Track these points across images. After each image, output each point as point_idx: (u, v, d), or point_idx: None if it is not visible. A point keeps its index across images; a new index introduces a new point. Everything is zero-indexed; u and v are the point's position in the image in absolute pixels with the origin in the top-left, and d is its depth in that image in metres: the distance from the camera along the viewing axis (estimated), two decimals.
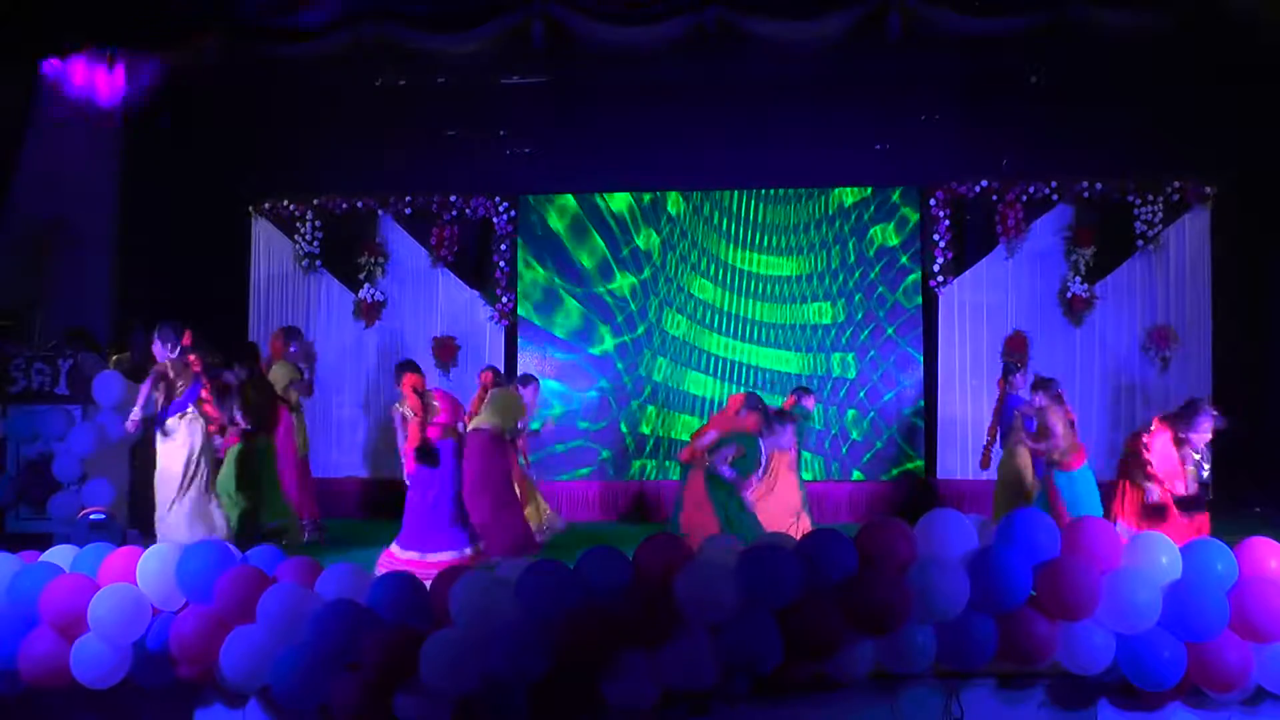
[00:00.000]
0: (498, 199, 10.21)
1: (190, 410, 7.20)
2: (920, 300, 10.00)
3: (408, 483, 7.24)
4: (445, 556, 6.84)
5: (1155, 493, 6.52)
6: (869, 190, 10.09)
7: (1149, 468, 6.53)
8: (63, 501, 7.86)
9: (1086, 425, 9.66)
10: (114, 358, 7.99)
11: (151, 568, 4.88)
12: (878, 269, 10.04)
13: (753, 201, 10.20)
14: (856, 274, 10.06)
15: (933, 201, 9.91)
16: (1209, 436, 6.61)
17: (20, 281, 8.94)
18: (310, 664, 4.56)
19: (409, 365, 7.36)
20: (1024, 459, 7.84)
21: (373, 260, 10.21)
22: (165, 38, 8.43)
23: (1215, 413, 6.59)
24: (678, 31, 8.46)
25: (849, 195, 10.12)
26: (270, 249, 10.44)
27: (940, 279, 9.90)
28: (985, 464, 8.40)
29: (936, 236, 9.88)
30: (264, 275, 10.43)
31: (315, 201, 10.26)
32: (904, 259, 10.02)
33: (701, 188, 10.23)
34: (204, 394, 7.25)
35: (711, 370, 10.13)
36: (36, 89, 8.20)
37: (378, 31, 8.46)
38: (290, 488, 8.29)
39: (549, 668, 4.40)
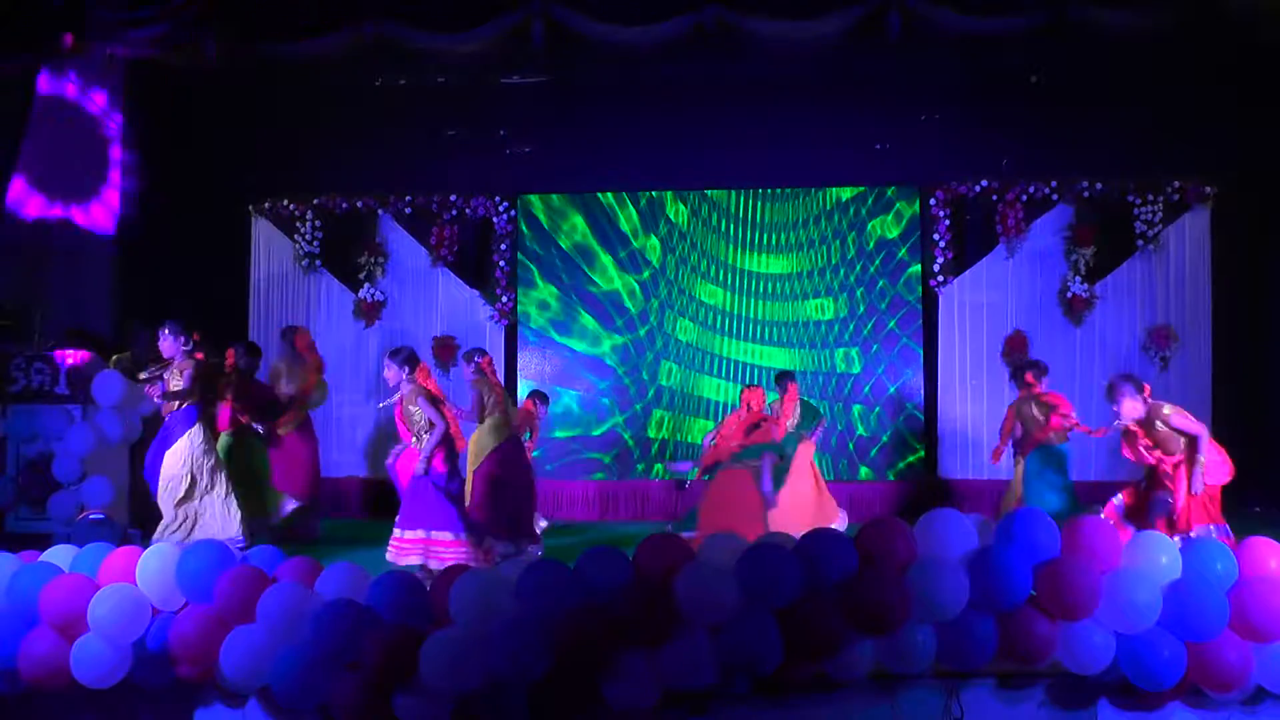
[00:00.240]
0: (498, 199, 10.21)
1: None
2: (920, 292, 10.00)
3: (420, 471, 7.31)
4: (445, 536, 6.82)
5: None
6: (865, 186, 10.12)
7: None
8: (62, 501, 7.86)
9: (1086, 425, 9.66)
10: (114, 357, 7.99)
11: (151, 567, 4.88)
12: (878, 261, 10.05)
13: (751, 201, 10.21)
14: (857, 267, 10.07)
15: (933, 201, 9.92)
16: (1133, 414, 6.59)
17: (20, 281, 8.95)
18: (310, 664, 4.55)
19: (411, 360, 7.24)
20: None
21: (373, 260, 10.21)
22: (165, 38, 8.42)
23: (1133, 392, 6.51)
24: (678, 31, 8.47)
25: (846, 190, 10.13)
26: (270, 249, 10.44)
27: (940, 279, 9.91)
28: (997, 458, 8.31)
29: (936, 236, 9.89)
30: (264, 275, 10.43)
31: (315, 201, 10.26)
32: (903, 251, 10.03)
33: (701, 187, 10.23)
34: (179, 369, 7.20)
35: (719, 372, 10.12)
36: (36, 89, 8.19)
37: (378, 31, 8.46)
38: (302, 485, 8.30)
39: (549, 667, 4.39)
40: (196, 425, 7.23)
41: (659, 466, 10.11)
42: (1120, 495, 6.74)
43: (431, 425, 6.70)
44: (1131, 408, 6.29)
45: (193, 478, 7.15)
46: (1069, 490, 7.58)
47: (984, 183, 9.84)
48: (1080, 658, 4.64)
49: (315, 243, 10.28)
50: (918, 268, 10.01)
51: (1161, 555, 4.72)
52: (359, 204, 10.28)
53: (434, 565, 6.46)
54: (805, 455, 8.24)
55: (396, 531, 6.78)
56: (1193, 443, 6.21)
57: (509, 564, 4.82)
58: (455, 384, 9.72)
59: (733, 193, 10.24)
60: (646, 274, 10.24)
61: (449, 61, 9.48)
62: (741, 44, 8.76)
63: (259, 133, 9.99)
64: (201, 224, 9.86)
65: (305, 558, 5.10)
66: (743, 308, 10.18)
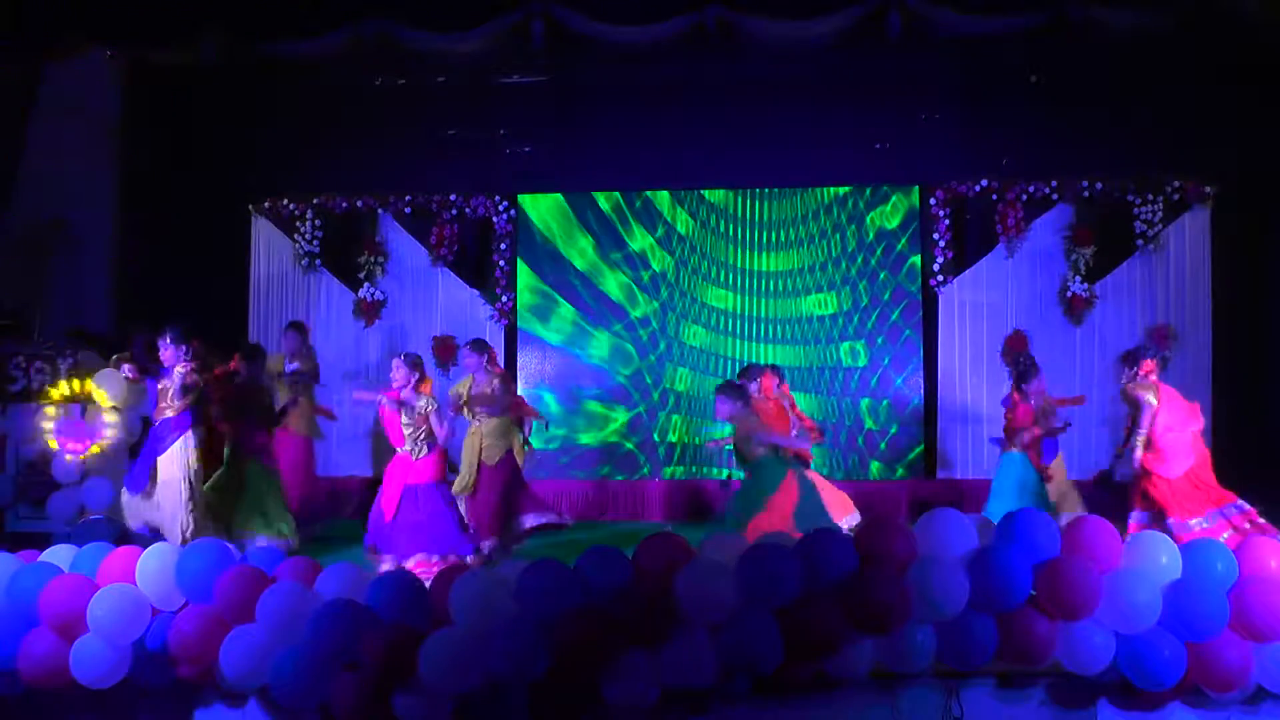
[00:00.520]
0: (497, 198, 10.21)
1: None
2: (920, 283, 10.00)
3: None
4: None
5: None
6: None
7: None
8: (62, 501, 7.86)
9: (1086, 425, 9.66)
10: (114, 357, 7.99)
11: (151, 567, 4.88)
12: (879, 252, 10.03)
13: (752, 201, 10.20)
14: (859, 259, 10.05)
15: (932, 201, 9.91)
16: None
17: (20, 281, 8.95)
18: (310, 664, 4.56)
19: (418, 366, 7.21)
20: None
21: (372, 259, 10.21)
22: (165, 38, 8.42)
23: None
24: (678, 31, 8.46)
25: (846, 189, 10.12)
26: (270, 248, 10.43)
27: (940, 278, 9.90)
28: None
29: (936, 236, 9.88)
30: (264, 274, 10.42)
31: (315, 201, 10.25)
32: (903, 240, 10.00)
33: (701, 187, 10.22)
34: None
35: (723, 372, 10.12)
36: (37, 89, 8.20)
37: (378, 31, 8.46)
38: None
39: (549, 667, 4.40)
40: (190, 431, 7.16)
41: (670, 469, 10.10)
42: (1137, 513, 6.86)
43: (432, 436, 6.73)
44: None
45: (190, 484, 7.08)
46: (1025, 495, 7.51)
47: (984, 182, 9.83)
48: (1080, 658, 4.65)
49: (315, 242, 10.28)
50: (918, 258, 10.00)
51: (1161, 555, 4.72)
52: (359, 203, 10.27)
53: None
54: None
55: (420, 557, 6.72)
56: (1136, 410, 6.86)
57: (509, 564, 4.82)
58: (455, 383, 9.70)
59: (734, 194, 10.20)
60: (646, 276, 10.22)
61: (449, 61, 9.48)
62: (741, 44, 8.75)
63: (259, 132, 9.98)
64: (201, 224, 9.85)
65: (305, 558, 5.11)
66: (745, 307, 10.16)
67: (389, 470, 6.98)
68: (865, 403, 10.01)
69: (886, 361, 10.01)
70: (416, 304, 10.33)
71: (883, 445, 9.96)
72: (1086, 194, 9.75)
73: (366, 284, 10.22)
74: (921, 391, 9.98)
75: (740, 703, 4.64)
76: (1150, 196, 9.65)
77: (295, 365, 8.54)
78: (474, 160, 10.23)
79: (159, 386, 7.10)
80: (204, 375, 7.36)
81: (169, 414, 7.02)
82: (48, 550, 5.22)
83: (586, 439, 10.21)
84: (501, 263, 10.22)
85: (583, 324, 10.25)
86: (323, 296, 10.35)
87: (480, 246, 10.35)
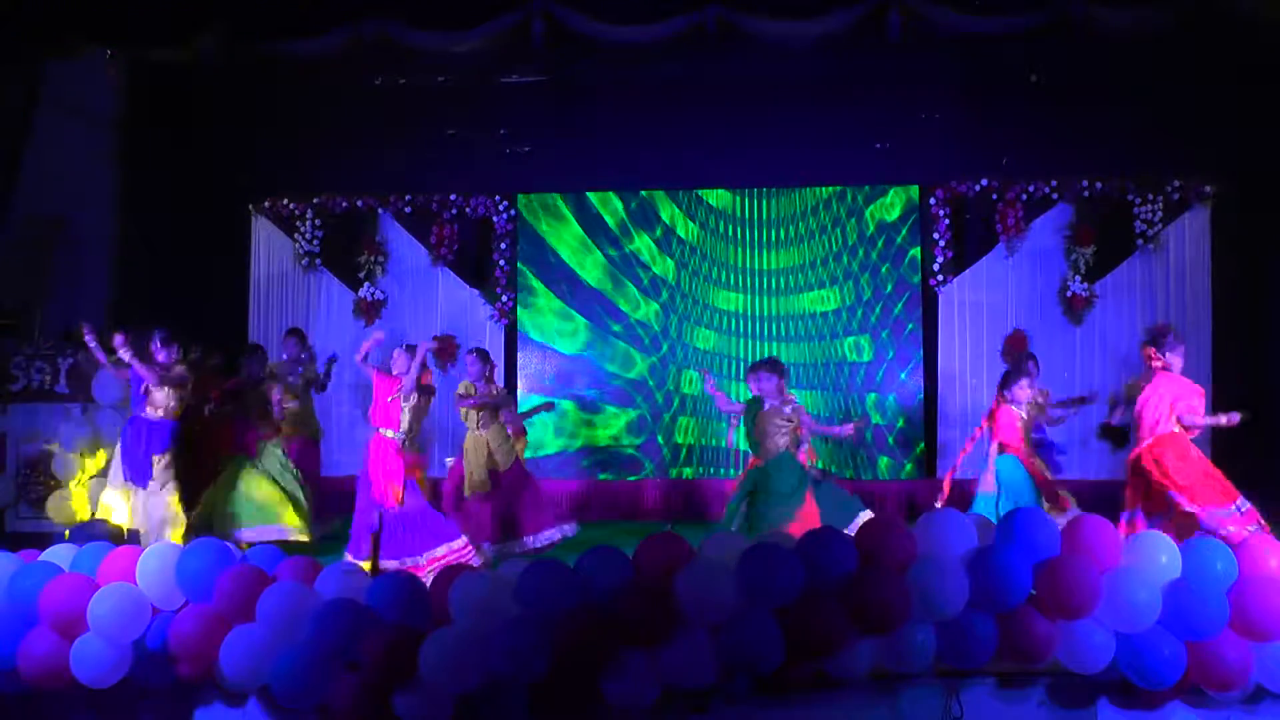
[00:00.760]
0: (497, 198, 10.21)
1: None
2: (920, 276, 9.99)
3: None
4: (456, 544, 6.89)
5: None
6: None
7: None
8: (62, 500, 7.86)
9: (1086, 424, 9.63)
10: (114, 357, 7.99)
11: (151, 567, 4.89)
12: (880, 244, 10.01)
13: (751, 199, 10.20)
14: (860, 253, 10.04)
15: (932, 200, 9.91)
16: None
17: (20, 281, 8.95)
18: (310, 663, 4.56)
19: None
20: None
21: (373, 259, 10.21)
22: (165, 38, 8.42)
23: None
24: (678, 30, 8.44)
25: (845, 185, 10.13)
26: (270, 248, 10.43)
27: (940, 278, 9.90)
28: None
29: (936, 235, 9.88)
30: (264, 274, 10.42)
31: (315, 200, 10.25)
32: (903, 231, 9.97)
33: (702, 187, 10.21)
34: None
35: (731, 373, 10.11)
36: (37, 89, 8.20)
37: (378, 31, 8.45)
38: None
39: (549, 667, 4.40)
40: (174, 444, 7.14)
41: (675, 469, 10.11)
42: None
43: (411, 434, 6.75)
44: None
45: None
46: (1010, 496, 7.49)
47: (984, 182, 9.83)
48: (1080, 657, 4.65)
49: (315, 242, 10.28)
50: (917, 249, 9.99)
51: (1161, 554, 4.72)
52: (359, 203, 10.27)
53: None
54: None
55: (418, 559, 6.73)
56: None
57: (509, 564, 4.83)
58: (455, 383, 9.70)
59: (735, 196, 10.19)
60: (646, 279, 10.21)
61: (449, 61, 9.46)
62: (742, 44, 8.74)
63: (259, 132, 9.97)
64: (201, 223, 9.85)
65: (305, 557, 5.11)
66: (752, 307, 10.14)
67: (374, 455, 6.94)
68: (871, 398, 9.99)
69: (891, 355, 9.98)
70: (416, 304, 10.33)
71: (891, 440, 9.94)
72: (1086, 193, 9.74)
73: (366, 284, 10.22)
74: (921, 391, 9.98)
75: (740, 703, 4.64)
76: (1150, 196, 9.64)
77: (300, 370, 8.56)
78: (474, 160, 10.22)
79: (141, 388, 7.06)
80: (200, 375, 7.37)
81: (160, 415, 7.02)
82: (48, 550, 5.22)
83: (587, 439, 10.20)
84: (501, 262, 10.22)
85: (583, 324, 10.24)
86: (323, 296, 10.35)
87: (480, 246, 10.35)
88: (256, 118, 9.93)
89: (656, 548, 4.73)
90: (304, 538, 7.48)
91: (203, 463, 7.38)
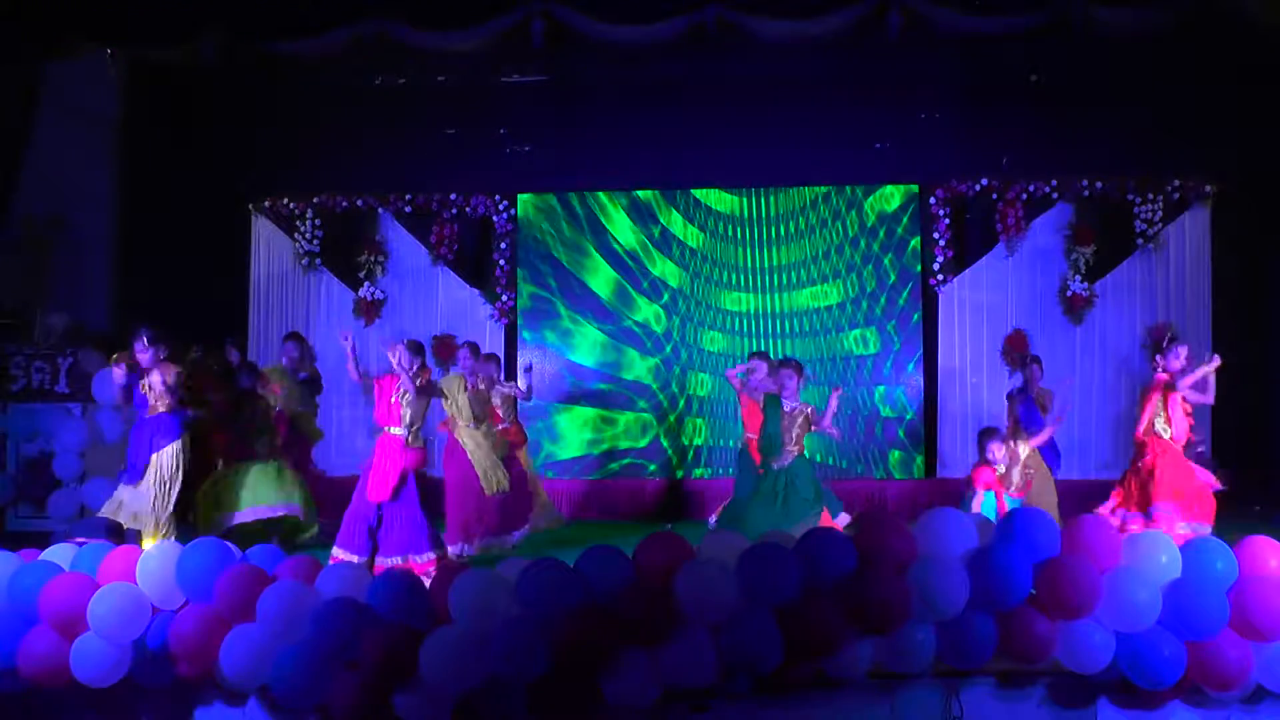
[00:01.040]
0: (497, 197, 10.21)
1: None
2: (920, 267, 9.99)
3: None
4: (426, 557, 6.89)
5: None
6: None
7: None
8: (62, 500, 7.86)
9: (1086, 424, 9.68)
10: (114, 356, 7.99)
11: (151, 566, 4.89)
12: (882, 233, 10.01)
13: (751, 199, 10.20)
14: (862, 243, 10.04)
15: (933, 200, 9.91)
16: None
17: (20, 281, 8.96)
18: (310, 662, 4.56)
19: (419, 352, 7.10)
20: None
21: (373, 258, 10.22)
22: (165, 38, 8.43)
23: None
24: (678, 31, 8.45)
25: (845, 185, 10.12)
26: (270, 247, 10.44)
27: (940, 277, 9.90)
28: None
29: (936, 235, 9.88)
30: (264, 274, 10.42)
31: (315, 199, 10.26)
32: (904, 220, 9.98)
33: (701, 186, 10.21)
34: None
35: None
36: (37, 89, 8.20)
37: (378, 30, 8.46)
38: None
39: (549, 666, 4.40)
40: (183, 434, 7.13)
41: (681, 470, 10.10)
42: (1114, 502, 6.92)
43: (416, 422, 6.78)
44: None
45: (174, 482, 7.04)
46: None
47: (984, 181, 9.83)
48: (1080, 657, 4.65)
49: (315, 241, 10.28)
50: (917, 240, 9.99)
51: (1161, 554, 4.72)
52: (359, 202, 10.28)
53: None
54: None
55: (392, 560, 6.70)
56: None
57: (509, 563, 4.82)
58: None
59: (737, 198, 10.19)
60: (645, 283, 10.21)
61: (449, 60, 9.48)
62: (742, 44, 8.75)
63: (259, 131, 9.97)
64: (201, 223, 9.85)
65: (305, 556, 5.11)
66: (758, 305, 10.15)
67: (378, 451, 6.93)
68: (880, 390, 9.98)
69: (898, 346, 9.97)
70: (416, 303, 10.33)
71: (901, 433, 9.93)
72: (1086, 193, 9.75)
73: (367, 283, 10.23)
74: (922, 391, 9.97)
75: (740, 702, 4.64)
76: (1150, 196, 9.65)
77: (304, 375, 8.57)
78: (474, 160, 10.22)
79: (140, 388, 7.05)
80: (198, 377, 7.36)
81: (161, 409, 7.00)
82: (48, 549, 5.22)
83: (585, 439, 10.21)
84: (501, 262, 10.23)
85: (581, 324, 10.24)
86: (323, 296, 10.36)
87: (480, 246, 10.35)
88: (256, 118, 9.94)
89: (656, 548, 4.73)
90: (312, 527, 7.55)
91: (200, 465, 7.37)
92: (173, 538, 6.72)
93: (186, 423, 7.05)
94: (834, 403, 7.04)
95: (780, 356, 9.88)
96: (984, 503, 6.98)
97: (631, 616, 4.44)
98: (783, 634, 4.47)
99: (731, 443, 9.84)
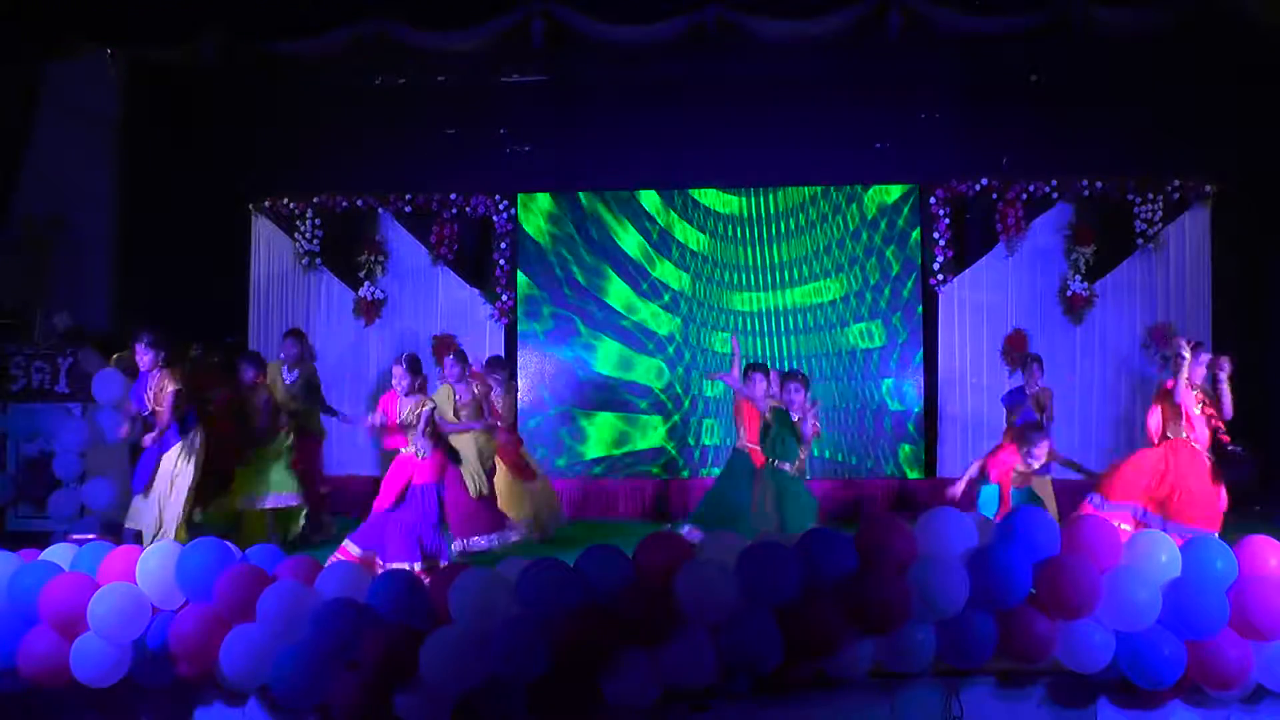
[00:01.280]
0: (497, 197, 10.21)
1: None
2: (920, 260, 9.98)
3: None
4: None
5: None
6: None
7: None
8: (62, 499, 7.86)
9: (1086, 423, 9.68)
10: (114, 356, 7.99)
11: (151, 566, 4.89)
12: (883, 225, 10.00)
13: (752, 198, 10.20)
14: (864, 236, 10.03)
15: (932, 200, 9.91)
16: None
17: (20, 281, 8.96)
18: (310, 662, 4.56)
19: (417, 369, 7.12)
20: None
21: (373, 258, 10.21)
22: (165, 38, 8.43)
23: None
24: (678, 30, 8.45)
25: (845, 184, 10.12)
26: (270, 247, 10.43)
27: (940, 277, 9.90)
28: None
29: (936, 235, 9.88)
30: (264, 273, 10.42)
31: (315, 199, 10.25)
32: (905, 212, 9.97)
33: (701, 186, 10.21)
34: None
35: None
36: (37, 89, 8.20)
37: (378, 31, 8.46)
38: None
39: (549, 666, 4.40)
40: (196, 431, 7.16)
41: (687, 470, 10.10)
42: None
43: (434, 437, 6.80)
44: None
45: (185, 481, 7.05)
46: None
47: (984, 181, 9.83)
48: (1080, 656, 4.65)
49: (315, 241, 10.28)
50: (917, 232, 9.98)
51: (1161, 554, 4.73)
52: (359, 202, 10.28)
53: None
54: None
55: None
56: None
57: (508, 563, 4.82)
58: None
59: (739, 199, 10.18)
60: (644, 285, 10.22)
61: (449, 60, 9.48)
62: (742, 44, 8.75)
63: (259, 131, 9.97)
64: (201, 223, 9.85)
65: (305, 556, 5.11)
66: (755, 304, 10.13)
67: (394, 467, 6.96)
68: (887, 383, 9.96)
69: (903, 338, 9.96)
70: (417, 303, 10.32)
71: (910, 426, 9.92)
72: (1086, 193, 9.75)
73: (367, 283, 10.22)
74: (922, 391, 9.97)
75: (740, 702, 4.65)
76: (1150, 196, 9.65)
77: (295, 374, 8.52)
78: (474, 160, 10.22)
79: (145, 399, 7.06)
80: (199, 374, 7.37)
81: (161, 411, 7.02)
82: (48, 549, 5.22)
83: (593, 442, 10.21)
84: (501, 262, 10.22)
85: (582, 324, 10.24)
86: (323, 295, 10.35)
87: (480, 246, 10.35)
88: (256, 118, 9.94)
89: (656, 548, 4.73)
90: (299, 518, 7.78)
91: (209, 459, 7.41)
92: (176, 537, 6.78)
93: (188, 425, 7.09)
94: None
95: (780, 358, 9.94)
96: (987, 494, 6.95)
97: (631, 616, 4.45)
98: (783, 634, 4.47)
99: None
